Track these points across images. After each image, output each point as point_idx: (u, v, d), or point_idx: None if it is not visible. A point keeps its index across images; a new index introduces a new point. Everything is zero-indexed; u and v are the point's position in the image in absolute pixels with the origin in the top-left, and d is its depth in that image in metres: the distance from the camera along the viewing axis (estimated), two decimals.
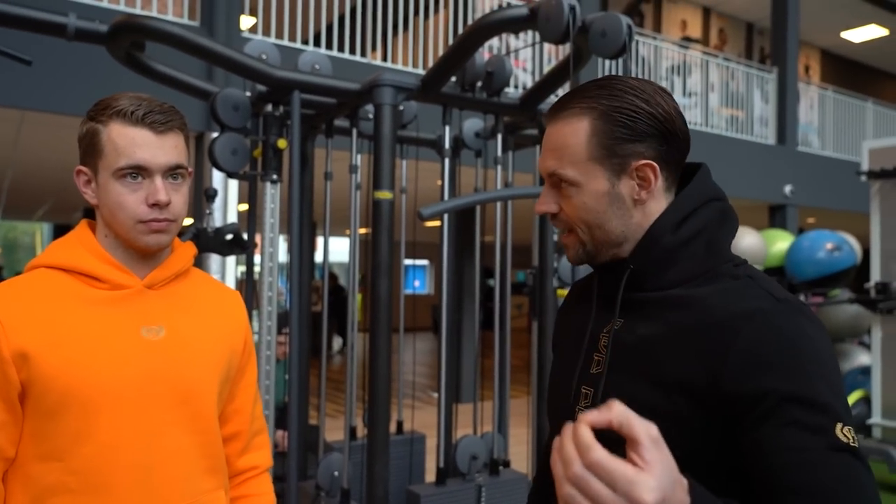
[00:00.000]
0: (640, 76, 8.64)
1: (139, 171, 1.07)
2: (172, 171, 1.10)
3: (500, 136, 3.00)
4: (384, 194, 2.58)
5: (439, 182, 2.99)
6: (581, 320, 1.04)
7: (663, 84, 8.77)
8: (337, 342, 13.67)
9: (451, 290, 2.84)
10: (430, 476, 3.95)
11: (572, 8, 2.26)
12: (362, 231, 3.23)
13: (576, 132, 0.94)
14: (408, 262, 18.79)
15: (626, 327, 0.95)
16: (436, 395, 8.60)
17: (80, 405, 1.03)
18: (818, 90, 10.64)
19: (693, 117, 9.00)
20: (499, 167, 3.01)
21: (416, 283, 20.19)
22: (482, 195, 2.16)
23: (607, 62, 7.79)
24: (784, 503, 0.79)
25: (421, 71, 6.42)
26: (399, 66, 6.27)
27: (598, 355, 0.98)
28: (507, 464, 3.13)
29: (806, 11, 10.46)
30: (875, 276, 5.47)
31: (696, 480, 0.79)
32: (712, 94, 9.51)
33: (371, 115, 3.11)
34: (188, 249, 1.22)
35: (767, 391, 0.81)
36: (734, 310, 0.86)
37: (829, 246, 6.83)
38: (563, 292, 3.16)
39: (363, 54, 7.24)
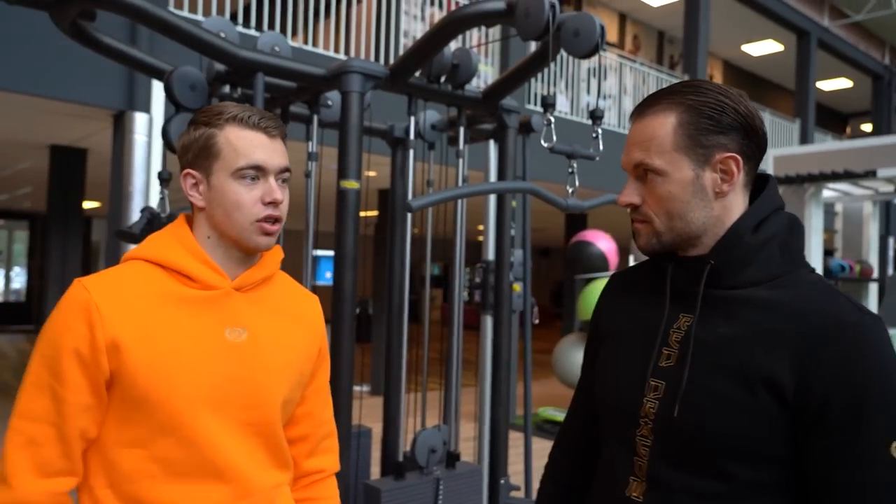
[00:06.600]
0: (559, 75, 8.86)
1: (257, 171, 1.14)
2: (282, 174, 1.17)
3: (462, 130, 3.00)
4: (351, 184, 2.52)
5: (374, 173, 2.95)
6: (645, 312, 1.07)
7: (582, 85, 9.04)
8: None
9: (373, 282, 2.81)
10: (375, 469, 3.92)
11: (553, 6, 2.28)
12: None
13: (663, 125, 0.99)
14: (319, 252, 18.43)
15: (704, 324, 0.99)
16: (359, 388, 8.51)
17: (160, 401, 1.06)
18: None
19: (608, 119, 9.32)
20: (461, 160, 3.01)
21: (328, 275, 19.89)
22: (471, 188, 2.16)
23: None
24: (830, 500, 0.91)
25: (343, 56, 6.30)
26: (320, 51, 6.12)
27: (668, 349, 1.01)
28: (457, 456, 3.14)
29: (711, 23, 11.04)
30: None
31: (749, 464, 0.92)
32: (626, 97, 9.86)
33: (329, 103, 3.03)
34: (277, 253, 1.25)
35: (849, 403, 0.89)
36: (829, 320, 0.92)
37: None
38: (517, 287, 3.20)
39: (285, 36, 7.02)
